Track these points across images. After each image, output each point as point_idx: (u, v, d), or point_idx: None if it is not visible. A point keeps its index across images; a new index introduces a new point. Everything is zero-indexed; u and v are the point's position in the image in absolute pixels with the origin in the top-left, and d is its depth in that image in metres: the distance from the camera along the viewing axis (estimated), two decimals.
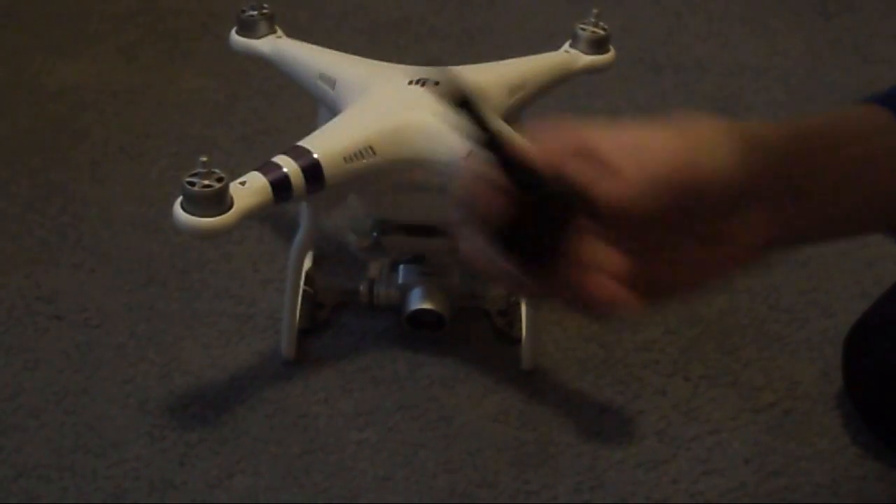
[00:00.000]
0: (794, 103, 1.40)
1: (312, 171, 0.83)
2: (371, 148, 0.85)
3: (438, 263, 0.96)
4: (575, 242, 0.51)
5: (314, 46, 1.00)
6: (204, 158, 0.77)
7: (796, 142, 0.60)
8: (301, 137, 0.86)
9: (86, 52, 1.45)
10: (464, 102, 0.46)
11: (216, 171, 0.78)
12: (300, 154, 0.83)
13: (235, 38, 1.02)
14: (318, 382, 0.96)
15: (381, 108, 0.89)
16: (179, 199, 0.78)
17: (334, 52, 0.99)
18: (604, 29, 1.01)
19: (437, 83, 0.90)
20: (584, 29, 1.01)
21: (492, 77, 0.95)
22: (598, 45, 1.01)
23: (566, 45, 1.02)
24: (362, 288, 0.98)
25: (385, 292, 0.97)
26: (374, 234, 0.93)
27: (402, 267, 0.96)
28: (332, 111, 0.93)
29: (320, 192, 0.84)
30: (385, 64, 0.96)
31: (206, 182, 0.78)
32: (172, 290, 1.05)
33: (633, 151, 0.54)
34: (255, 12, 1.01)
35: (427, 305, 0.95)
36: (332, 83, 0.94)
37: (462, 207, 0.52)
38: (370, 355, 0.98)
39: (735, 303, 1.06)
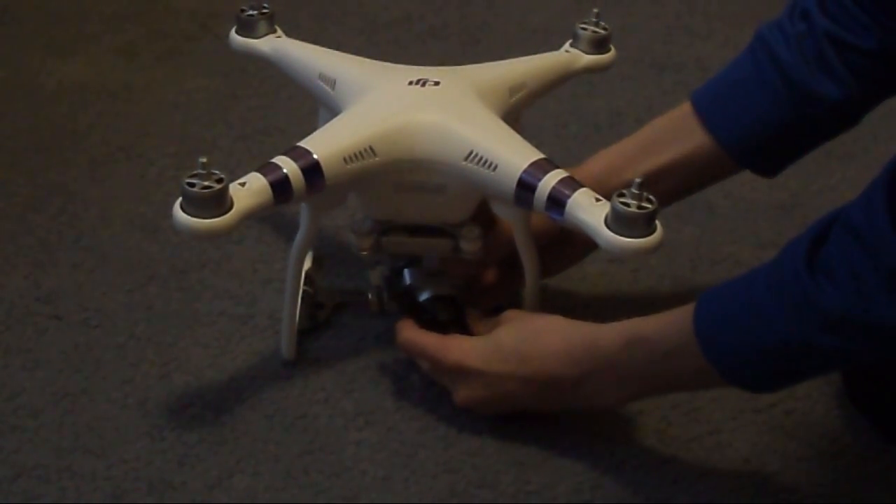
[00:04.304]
0: None
1: (312, 171, 0.83)
2: (371, 148, 0.85)
3: (440, 263, 0.96)
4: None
5: (314, 46, 1.00)
6: (203, 160, 0.77)
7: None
8: (301, 137, 0.86)
9: (85, 51, 1.45)
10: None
11: (216, 171, 0.78)
12: (300, 155, 0.83)
13: (235, 38, 1.02)
14: (317, 382, 0.96)
15: (381, 108, 0.89)
16: (179, 200, 0.78)
17: (334, 52, 0.99)
18: (605, 28, 1.01)
19: (437, 83, 0.90)
20: (584, 28, 1.01)
21: (492, 77, 0.94)
22: (598, 45, 1.01)
23: (567, 45, 1.02)
24: (371, 297, 0.97)
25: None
26: (375, 235, 0.93)
27: (406, 270, 0.96)
28: (332, 111, 0.93)
29: (320, 192, 0.84)
30: (385, 64, 0.96)
31: (206, 183, 0.77)
32: (172, 290, 1.05)
33: None
34: (255, 12, 1.01)
35: (441, 292, 0.94)
36: (332, 83, 0.94)
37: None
38: (370, 355, 0.98)
39: None
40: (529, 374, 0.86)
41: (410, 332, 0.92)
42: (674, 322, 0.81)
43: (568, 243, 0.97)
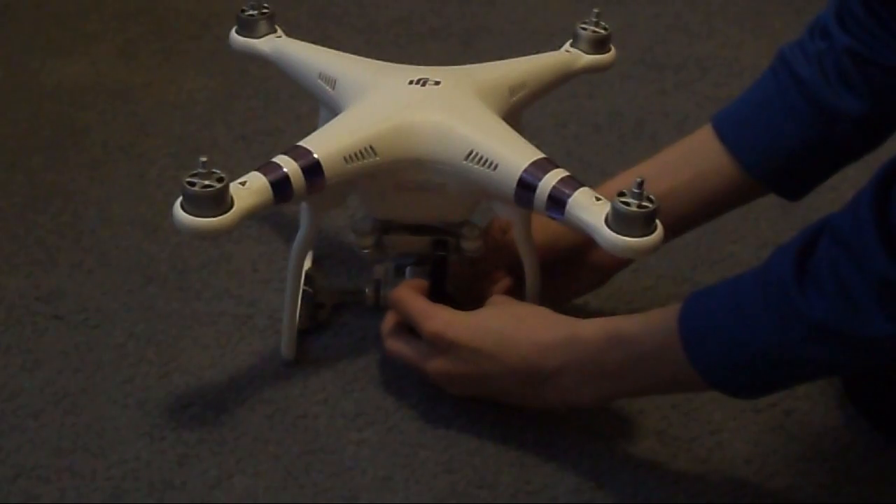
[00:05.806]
0: None
1: (313, 171, 0.83)
2: (371, 148, 0.85)
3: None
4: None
5: (314, 46, 1.00)
6: (204, 159, 0.77)
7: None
8: (301, 137, 0.86)
9: (85, 51, 1.45)
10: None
11: (216, 171, 0.78)
12: (300, 154, 0.83)
13: (235, 38, 1.02)
14: (318, 382, 0.96)
15: (381, 107, 0.89)
16: (179, 199, 0.78)
17: (334, 51, 0.99)
18: (605, 28, 1.01)
19: (437, 83, 0.90)
20: (584, 28, 1.01)
21: (492, 77, 0.94)
22: (598, 45, 1.01)
23: (567, 45, 1.02)
24: (368, 290, 0.98)
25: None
26: (377, 234, 0.93)
27: (409, 269, 0.96)
28: (333, 111, 0.93)
29: (321, 192, 0.84)
30: (385, 63, 0.96)
31: (207, 182, 0.77)
32: (172, 290, 1.05)
33: None
34: (255, 12, 1.01)
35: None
36: (332, 83, 0.94)
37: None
38: (370, 355, 0.98)
39: None
40: (505, 358, 0.86)
41: (404, 292, 0.91)
42: (657, 322, 0.81)
43: (587, 267, 0.97)
